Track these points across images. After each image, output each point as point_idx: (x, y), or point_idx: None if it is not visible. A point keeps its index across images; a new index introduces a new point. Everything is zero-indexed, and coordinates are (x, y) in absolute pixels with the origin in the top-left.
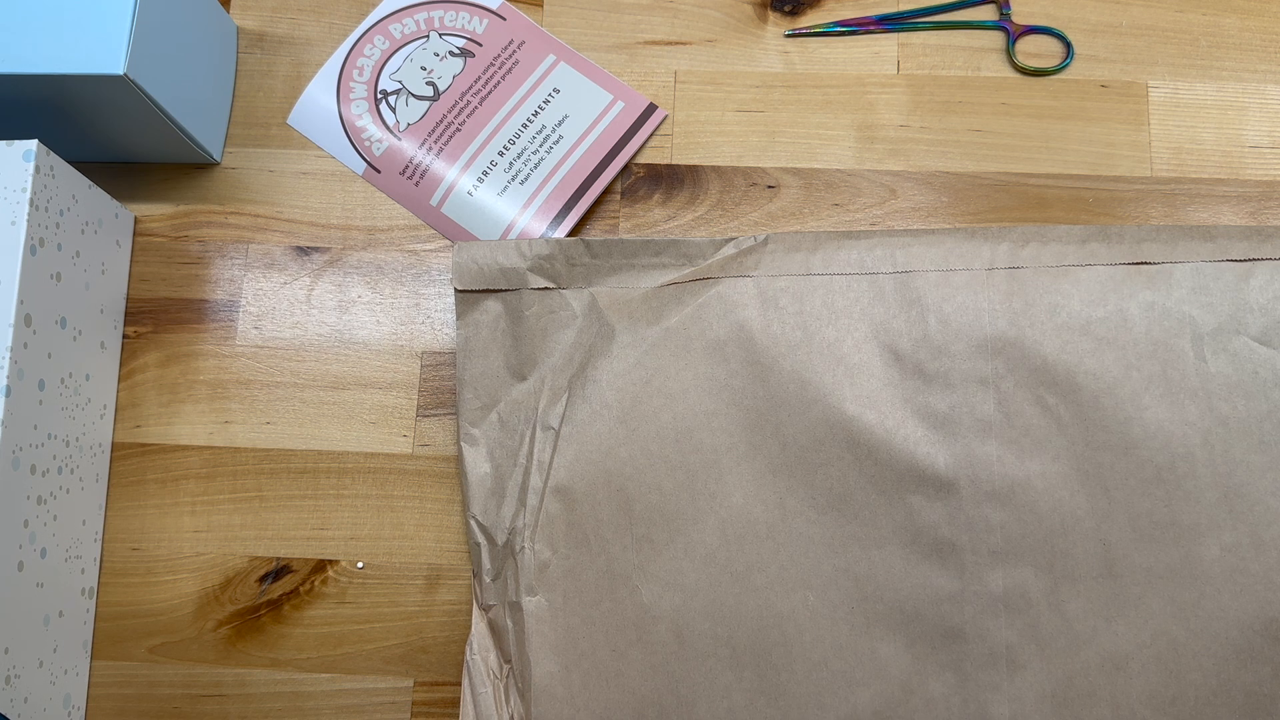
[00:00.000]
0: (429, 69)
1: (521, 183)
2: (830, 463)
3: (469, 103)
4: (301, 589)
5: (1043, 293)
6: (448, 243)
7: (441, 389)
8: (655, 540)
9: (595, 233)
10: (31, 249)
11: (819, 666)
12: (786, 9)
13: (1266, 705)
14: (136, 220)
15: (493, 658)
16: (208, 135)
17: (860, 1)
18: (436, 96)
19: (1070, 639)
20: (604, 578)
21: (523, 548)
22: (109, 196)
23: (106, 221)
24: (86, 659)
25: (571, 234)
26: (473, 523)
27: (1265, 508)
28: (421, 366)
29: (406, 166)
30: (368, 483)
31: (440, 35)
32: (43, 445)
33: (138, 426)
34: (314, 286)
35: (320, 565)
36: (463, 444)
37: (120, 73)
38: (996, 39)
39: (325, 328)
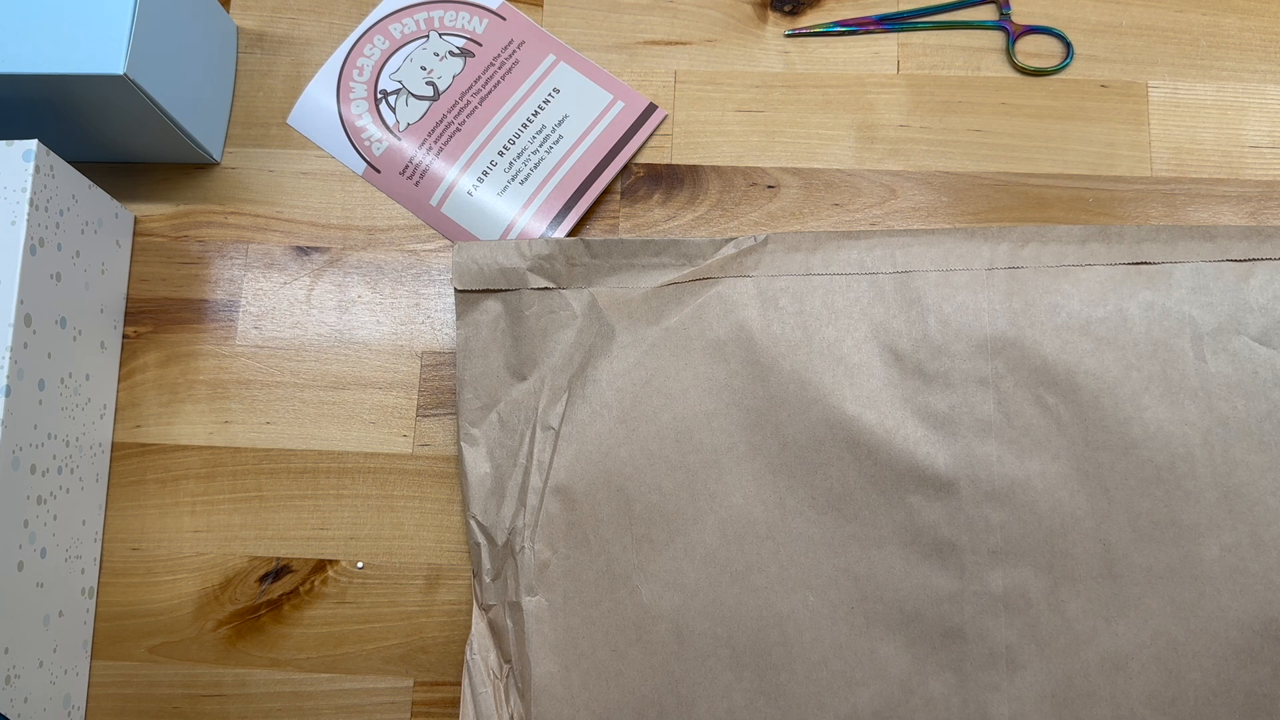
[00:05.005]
0: (429, 69)
1: (521, 183)
2: (830, 463)
3: (469, 103)
4: (301, 589)
5: (1043, 293)
6: (448, 243)
7: (441, 389)
8: (655, 540)
9: (595, 233)
10: (31, 249)
11: (819, 666)
12: (786, 9)
13: (1266, 705)
14: (136, 220)
15: (493, 658)
16: (208, 135)
17: (860, 1)
18: (436, 96)
19: (1070, 639)
20: (604, 578)
21: (523, 548)
22: (109, 196)
23: (106, 221)
24: (86, 659)
25: (571, 234)
26: (473, 523)
27: (1265, 508)
28: (421, 366)
29: (406, 166)
30: (368, 483)
31: (440, 35)
32: (43, 445)
33: (138, 426)
34: (314, 286)
35: (320, 565)
36: (463, 444)
37: (120, 73)
38: (996, 39)
39: (325, 328)
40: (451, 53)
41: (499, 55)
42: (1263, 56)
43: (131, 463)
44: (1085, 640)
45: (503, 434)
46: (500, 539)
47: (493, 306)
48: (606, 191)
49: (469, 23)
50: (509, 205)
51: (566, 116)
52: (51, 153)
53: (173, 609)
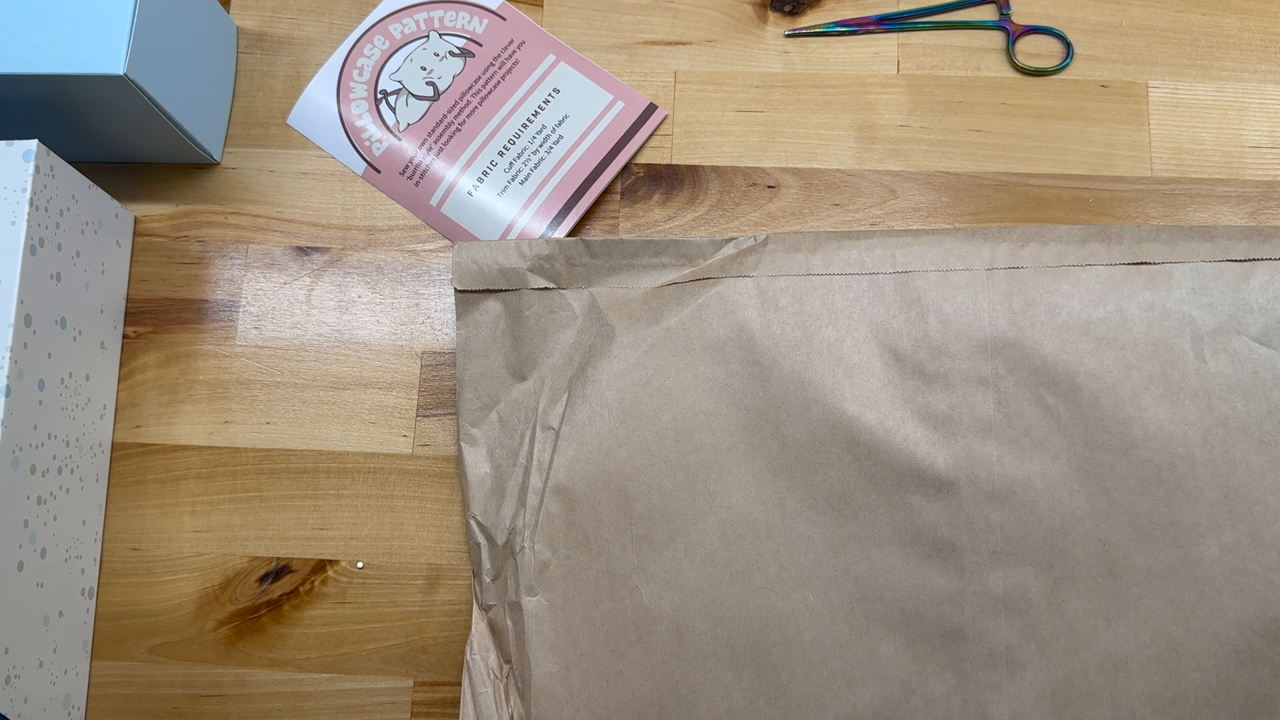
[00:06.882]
0: (429, 69)
1: (521, 183)
2: (830, 463)
3: (469, 103)
4: (301, 589)
5: (1043, 293)
6: (448, 243)
7: (441, 389)
8: (655, 540)
9: (595, 233)
10: (31, 249)
11: (819, 666)
12: (786, 9)
13: (1266, 705)
14: (136, 220)
15: (493, 658)
16: (208, 135)
17: (860, 1)
18: (436, 96)
19: (1070, 639)
20: (604, 578)
21: (523, 548)
22: (109, 196)
23: (106, 221)
24: (86, 659)
25: (571, 234)
26: (473, 523)
27: (1265, 508)
28: (421, 366)
29: (406, 166)
30: (368, 483)
31: (440, 35)
32: (43, 445)
33: (138, 426)
34: (314, 286)
35: (320, 565)
36: (463, 444)
37: (120, 73)
38: (996, 39)
39: (325, 328)
40: (451, 53)
41: (499, 55)
42: (1263, 56)
43: (131, 463)
44: (1085, 640)
45: (503, 434)
46: (500, 539)
47: (493, 306)
48: (606, 191)
49: (469, 23)
50: (509, 205)
51: (566, 116)
52: (51, 153)
53: (173, 609)
